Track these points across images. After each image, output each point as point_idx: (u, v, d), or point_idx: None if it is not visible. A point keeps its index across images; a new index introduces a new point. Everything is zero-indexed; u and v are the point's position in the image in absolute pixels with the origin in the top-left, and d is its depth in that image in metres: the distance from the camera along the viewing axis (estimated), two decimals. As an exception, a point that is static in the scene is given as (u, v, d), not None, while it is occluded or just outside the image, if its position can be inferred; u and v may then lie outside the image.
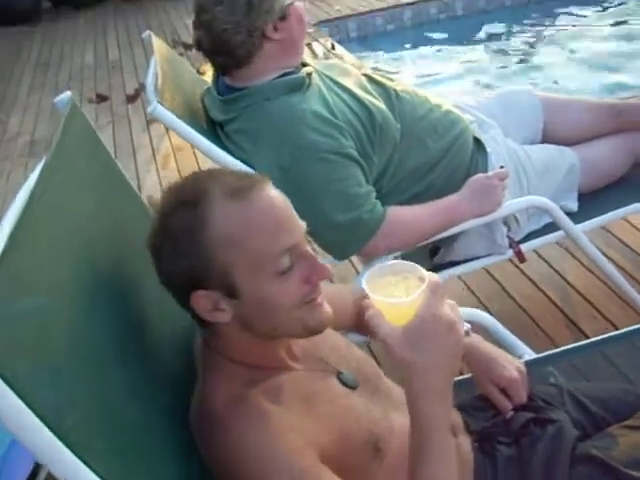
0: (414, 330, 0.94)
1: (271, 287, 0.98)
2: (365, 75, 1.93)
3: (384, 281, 0.97)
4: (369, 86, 1.86)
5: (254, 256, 0.97)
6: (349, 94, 1.77)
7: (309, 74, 1.77)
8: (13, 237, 0.86)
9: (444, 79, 5.43)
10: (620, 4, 6.33)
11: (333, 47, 5.47)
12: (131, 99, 5.02)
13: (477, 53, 5.88)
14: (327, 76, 1.82)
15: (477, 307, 2.42)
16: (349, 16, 6.31)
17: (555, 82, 5.10)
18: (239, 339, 1.04)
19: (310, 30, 5.63)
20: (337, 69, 1.91)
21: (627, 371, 1.49)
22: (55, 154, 1.07)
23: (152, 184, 3.70)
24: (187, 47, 5.80)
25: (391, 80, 1.96)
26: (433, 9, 6.44)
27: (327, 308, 1.04)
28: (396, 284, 0.97)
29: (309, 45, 5.26)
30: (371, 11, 6.41)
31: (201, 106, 1.87)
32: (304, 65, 1.83)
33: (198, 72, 2.35)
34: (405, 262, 1.01)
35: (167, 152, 3.94)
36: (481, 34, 6.15)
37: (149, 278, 1.04)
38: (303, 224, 1.05)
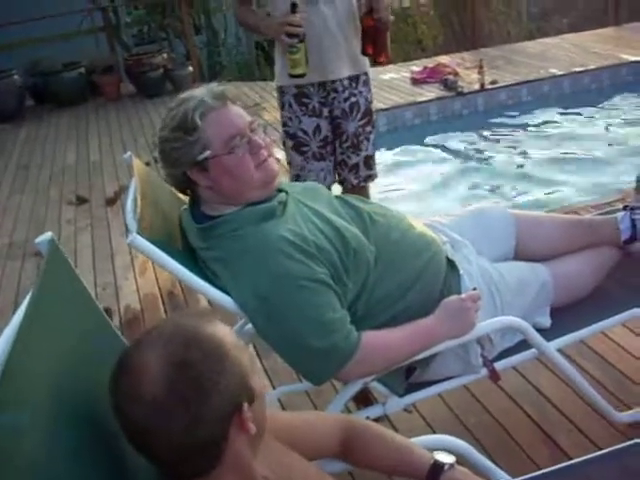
0: None
1: None
2: (338, 198, 1.98)
3: None
4: (342, 210, 1.90)
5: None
6: (323, 220, 1.81)
7: (282, 202, 1.82)
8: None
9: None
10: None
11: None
12: (110, 202, 5.06)
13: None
14: (301, 201, 1.86)
15: (453, 421, 2.43)
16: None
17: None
18: None
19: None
20: (311, 193, 1.95)
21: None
22: (36, 298, 1.10)
23: (130, 292, 3.71)
24: (168, 150, 5.91)
25: (365, 202, 2.01)
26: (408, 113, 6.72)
27: None
28: None
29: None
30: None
31: (179, 228, 1.91)
32: (280, 191, 1.88)
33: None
34: None
35: (145, 258, 3.96)
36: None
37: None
38: None
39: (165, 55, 9.07)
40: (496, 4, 10.91)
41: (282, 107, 2.96)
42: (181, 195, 2.05)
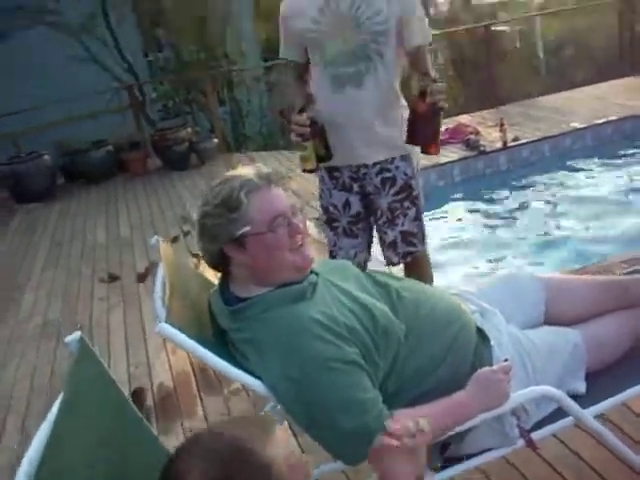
0: None
1: None
2: (367, 275, 1.99)
3: None
4: (371, 288, 1.91)
5: None
6: (352, 299, 1.82)
7: (312, 283, 1.83)
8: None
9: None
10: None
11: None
12: (141, 278, 5.12)
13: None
14: (330, 281, 1.87)
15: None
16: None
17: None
18: None
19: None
20: (340, 272, 1.97)
21: None
22: (67, 399, 1.12)
23: (162, 371, 3.72)
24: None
25: (393, 278, 2.02)
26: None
27: None
28: None
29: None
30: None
31: (208, 311, 1.92)
32: (311, 272, 1.90)
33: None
34: None
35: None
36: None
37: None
38: None
39: (190, 129, 9.26)
40: (512, 60, 11.06)
41: (319, 180, 2.95)
42: (210, 277, 2.07)
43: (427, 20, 2.77)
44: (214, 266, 1.89)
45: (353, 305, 1.80)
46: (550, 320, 2.27)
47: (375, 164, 2.82)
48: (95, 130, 9.30)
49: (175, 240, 5.85)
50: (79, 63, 9.58)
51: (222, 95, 10.63)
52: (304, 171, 2.75)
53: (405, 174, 2.84)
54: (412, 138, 2.59)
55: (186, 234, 5.96)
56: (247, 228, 1.76)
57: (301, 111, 2.64)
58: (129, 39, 10.71)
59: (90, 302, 4.97)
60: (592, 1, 11.25)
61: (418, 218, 2.90)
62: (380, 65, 2.71)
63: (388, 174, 2.82)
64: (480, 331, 2.02)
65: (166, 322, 1.66)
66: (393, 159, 2.83)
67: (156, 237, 2.16)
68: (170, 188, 7.94)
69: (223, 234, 1.77)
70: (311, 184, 6.39)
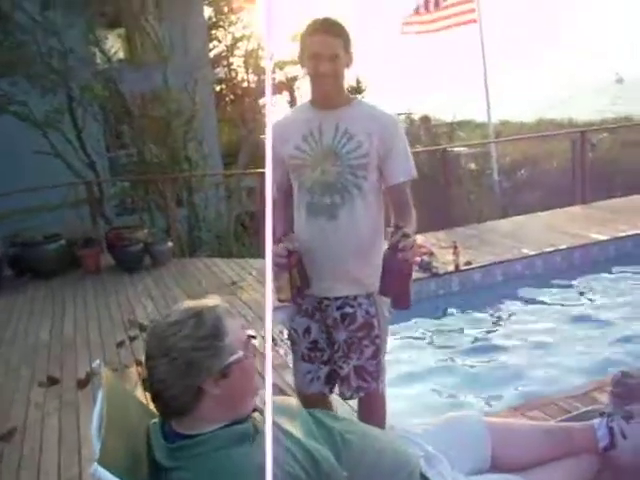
0: None
1: None
2: (312, 416, 1.95)
3: None
4: (316, 430, 1.87)
5: None
6: (295, 444, 1.77)
7: (255, 425, 1.78)
8: None
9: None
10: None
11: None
12: (81, 385, 4.94)
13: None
14: (275, 423, 1.82)
15: None
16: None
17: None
18: None
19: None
20: (284, 411, 1.92)
21: None
22: None
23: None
24: (142, 329, 5.87)
25: (338, 420, 1.97)
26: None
27: None
28: None
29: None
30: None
31: (146, 443, 1.84)
32: (255, 410, 1.84)
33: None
34: None
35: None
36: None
37: None
38: None
39: (146, 230, 9.20)
40: (467, 181, 11.36)
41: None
42: (152, 405, 1.99)
43: (410, 154, 2.71)
44: (175, 410, 1.75)
45: (297, 450, 1.75)
46: (496, 465, 2.24)
47: (337, 298, 2.74)
48: (49, 223, 9.21)
49: (121, 345, 5.71)
50: (40, 155, 9.60)
51: (181, 198, 10.67)
52: (279, 300, 2.68)
53: (367, 312, 2.73)
54: (382, 290, 2.50)
55: (132, 339, 5.81)
56: (236, 356, 1.73)
57: (279, 240, 2.59)
58: (93, 135, 10.80)
59: (25, 408, 4.75)
60: (547, 130, 11.69)
61: (376, 357, 2.77)
62: (358, 199, 2.65)
63: (349, 310, 2.72)
64: (424, 478, 1.98)
65: (99, 461, 1.59)
66: (356, 296, 2.72)
67: (98, 361, 2.09)
68: (120, 289, 7.79)
69: (212, 366, 1.70)
70: (262, 295, 6.35)
